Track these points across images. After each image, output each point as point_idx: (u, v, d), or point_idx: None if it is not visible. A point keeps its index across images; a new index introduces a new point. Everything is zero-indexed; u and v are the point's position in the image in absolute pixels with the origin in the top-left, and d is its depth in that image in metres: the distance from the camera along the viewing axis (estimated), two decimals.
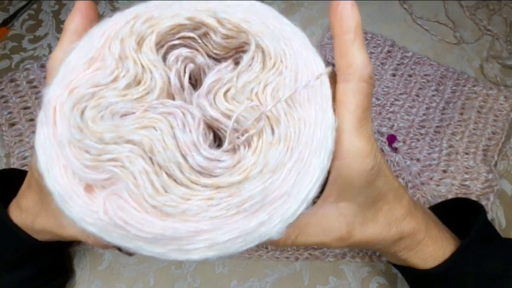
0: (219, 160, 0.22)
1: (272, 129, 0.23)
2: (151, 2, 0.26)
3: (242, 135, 0.23)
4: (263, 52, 0.24)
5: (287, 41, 0.25)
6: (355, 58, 0.24)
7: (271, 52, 0.24)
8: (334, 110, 0.24)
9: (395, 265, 0.35)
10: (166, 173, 0.21)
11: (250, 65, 0.24)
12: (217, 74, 0.24)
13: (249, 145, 0.23)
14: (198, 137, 0.22)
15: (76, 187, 0.22)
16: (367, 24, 0.58)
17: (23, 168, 0.47)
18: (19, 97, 0.52)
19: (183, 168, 0.21)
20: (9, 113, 0.51)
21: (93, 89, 0.23)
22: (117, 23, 0.25)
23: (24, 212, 0.32)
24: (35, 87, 0.53)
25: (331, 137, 0.23)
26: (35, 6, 0.61)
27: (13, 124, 0.51)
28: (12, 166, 0.48)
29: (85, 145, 0.21)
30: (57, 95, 0.23)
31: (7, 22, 0.59)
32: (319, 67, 0.25)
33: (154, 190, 0.21)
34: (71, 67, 0.24)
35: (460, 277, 0.30)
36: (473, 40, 0.57)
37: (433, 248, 0.30)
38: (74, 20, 0.26)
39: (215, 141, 0.24)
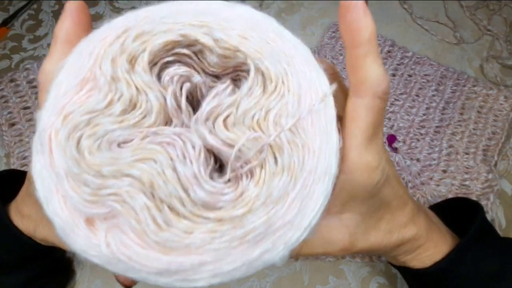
0: (221, 194, 0.21)
1: (275, 158, 0.22)
2: (142, 11, 0.25)
3: (245, 164, 0.22)
4: (263, 75, 0.23)
5: (289, 59, 0.24)
6: (369, 73, 0.22)
7: (271, 75, 0.23)
8: (339, 130, 0.23)
9: (394, 265, 0.35)
10: (168, 206, 0.21)
11: (250, 89, 0.23)
12: (215, 99, 0.23)
13: (252, 175, 0.22)
14: (199, 168, 0.21)
15: (77, 219, 0.22)
16: None
17: (23, 168, 0.47)
18: (19, 97, 0.52)
19: (185, 202, 0.21)
20: (9, 113, 0.51)
21: (88, 116, 0.22)
22: (106, 38, 0.23)
23: (26, 219, 0.31)
24: (35, 87, 0.53)
25: (335, 161, 0.23)
26: (35, 6, 0.61)
27: (13, 124, 0.51)
28: (12, 166, 0.48)
29: (84, 179, 0.21)
30: (51, 122, 0.22)
31: (7, 22, 0.59)
32: (324, 86, 0.24)
33: (156, 226, 0.20)
34: (62, 90, 0.23)
35: (457, 277, 0.30)
36: (473, 40, 0.57)
37: (432, 252, 0.30)
38: (65, 26, 0.24)
39: (216, 162, 0.24)
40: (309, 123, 0.23)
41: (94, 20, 0.59)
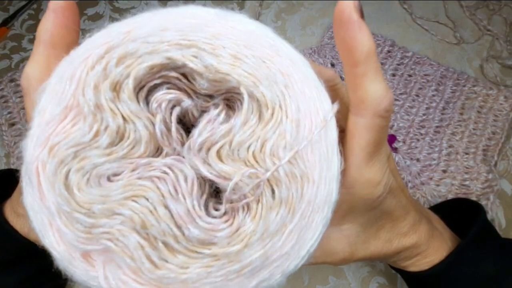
0: (216, 230, 0.21)
1: (273, 191, 0.21)
2: (123, 25, 0.22)
3: (242, 198, 0.21)
4: (258, 101, 0.21)
5: (286, 80, 0.22)
6: (369, 92, 0.21)
7: (267, 101, 0.21)
8: (341, 151, 0.22)
9: (393, 268, 0.35)
10: (163, 243, 0.20)
11: (244, 118, 0.22)
12: (207, 127, 0.22)
13: (248, 209, 0.21)
14: (192, 203, 0.21)
15: (73, 253, 0.21)
16: (367, 24, 0.58)
17: None
18: (19, 97, 0.52)
19: (179, 239, 0.20)
20: (9, 113, 0.51)
21: (74, 149, 0.21)
22: (87, 58, 0.21)
23: (21, 218, 0.31)
24: None
25: (335, 188, 0.22)
26: (35, 6, 0.61)
27: (13, 124, 0.51)
28: (12, 166, 0.48)
29: (75, 217, 0.20)
30: (37, 154, 0.21)
31: (7, 22, 0.59)
32: (325, 104, 0.22)
33: (151, 264, 0.20)
34: (46, 119, 0.21)
35: (456, 278, 0.30)
36: (473, 40, 0.57)
37: (432, 258, 0.30)
38: (48, 27, 0.22)
39: (211, 186, 0.23)
40: (309, 151, 0.21)
41: (94, 20, 0.59)
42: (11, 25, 0.59)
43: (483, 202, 0.44)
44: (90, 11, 0.59)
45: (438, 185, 0.46)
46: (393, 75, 0.54)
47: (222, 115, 0.22)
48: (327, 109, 0.22)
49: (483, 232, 0.32)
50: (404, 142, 0.49)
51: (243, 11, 0.60)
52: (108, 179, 0.21)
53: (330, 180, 0.22)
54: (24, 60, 0.56)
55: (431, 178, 0.47)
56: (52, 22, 0.22)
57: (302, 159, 0.21)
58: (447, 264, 0.29)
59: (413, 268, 0.30)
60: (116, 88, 0.21)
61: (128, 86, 0.21)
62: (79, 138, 0.21)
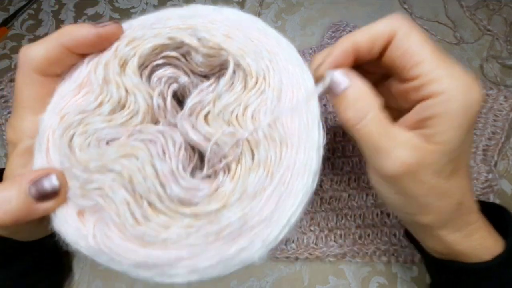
0: (197, 189, 0.22)
1: (252, 153, 0.22)
2: (135, 21, 0.26)
3: (221, 161, 0.22)
4: (244, 71, 0.23)
5: (272, 56, 0.24)
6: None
7: (252, 71, 0.23)
8: (323, 127, 0.23)
9: (424, 255, 0.32)
10: (147, 202, 0.21)
11: (231, 85, 0.24)
12: (198, 95, 0.24)
13: (229, 171, 0.22)
14: (177, 165, 0.22)
15: (70, 211, 0.23)
16: (367, 24, 0.58)
17: None
18: None
19: (162, 198, 0.21)
20: (9, 113, 0.51)
21: (80, 116, 0.23)
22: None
23: None
24: None
25: (316, 157, 0.22)
26: (35, 6, 0.61)
27: None
28: None
29: (73, 173, 0.22)
30: (50, 123, 0.24)
31: (7, 22, 0.59)
32: (308, 82, 0.24)
33: (134, 221, 0.21)
34: (62, 95, 0.24)
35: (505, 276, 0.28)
36: (473, 40, 0.57)
37: (483, 237, 0.27)
38: (26, 93, 0.25)
39: (202, 161, 0.24)
40: (289, 119, 0.23)
41: (94, 20, 0.59)
42: (11, 25, 0.59)
43: None
44: (90, 11, 0.59)
45: None
46: None
47: (213, 86, 0.25)
48: (310, 86, 0.24)
49: None
50: None
51: (243, 11, 0.60)
52: (107, 143, 0.23)
53: (309, 149, 0.23)
54: None
55: None
56: (28, 88, 0.25)
57: (282, 125, 0.23)
58: (506, 257, 0.27)
59: (463, 246, 0.27)
60: (123, 64, 0.24)
61: (133, 63, 0.24)
62: (85, 106, 0.23)
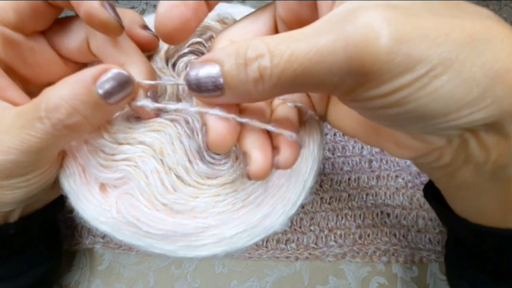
0: (221, 163, 0.24)
1: None
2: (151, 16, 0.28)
3: None
4: None
5: None
6: None
7: None
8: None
9: (448, 222, 0.29)
10: (175, 174, 0.23)
11: None
12: None
13: None
14: (203, 143, 0.23)
15: (91, 186, 0.24)
16: None
17: None
18: None
19: (189, 172, 0.23)
20: None
21: None
22: None
23: None
24: None
25: (318, 128, 0.25)
26: None
27: None
28: None
29: (101, 144, 0.23)
30: None
31: None
32: None
33: (164, 188, 0.22)
34: None
35: None
36: None
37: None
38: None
39: None
40: None
41: None
42: None
43: None
44: None
45: None
46: None
47: None
48: None
49: None
50: None
51: None
52: (136, 119, 0.24)
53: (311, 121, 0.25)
54: None
55: None
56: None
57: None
58: None
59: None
60: (151, 54, 0.26)
61: (161, 50, 0.26)
62: None
